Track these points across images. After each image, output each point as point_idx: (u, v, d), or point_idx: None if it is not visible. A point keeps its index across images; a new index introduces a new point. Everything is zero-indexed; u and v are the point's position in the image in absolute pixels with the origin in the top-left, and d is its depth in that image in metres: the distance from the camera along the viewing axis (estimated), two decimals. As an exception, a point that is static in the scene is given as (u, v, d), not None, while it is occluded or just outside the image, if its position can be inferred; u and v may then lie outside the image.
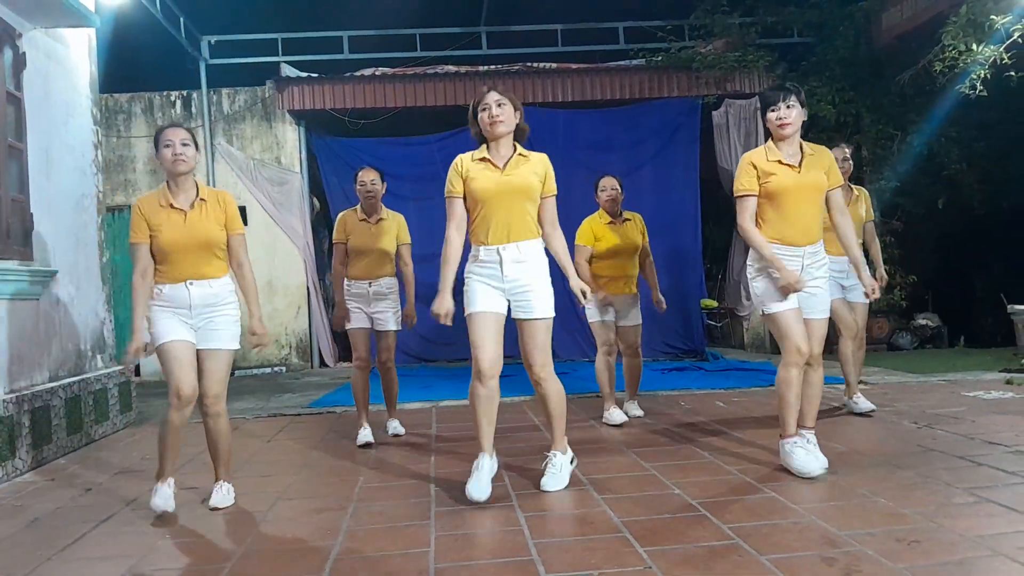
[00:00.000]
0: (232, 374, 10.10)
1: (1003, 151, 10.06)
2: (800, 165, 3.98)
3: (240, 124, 10.44)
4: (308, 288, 10.43)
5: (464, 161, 3.89)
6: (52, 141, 5.67)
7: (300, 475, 4.53)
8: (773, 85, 4.40)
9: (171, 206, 3.78)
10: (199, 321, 3.78)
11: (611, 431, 5.33)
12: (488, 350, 3.75)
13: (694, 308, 10.15)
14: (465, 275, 3.91)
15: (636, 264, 5.70)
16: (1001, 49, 7.26)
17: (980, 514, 3.21)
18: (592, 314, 5.60)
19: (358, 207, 5.35)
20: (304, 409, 6.90)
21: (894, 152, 10.00)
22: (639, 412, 5.79)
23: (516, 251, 3.80)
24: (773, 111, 3.97)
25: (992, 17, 7.22)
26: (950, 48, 7.66)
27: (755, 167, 4.01)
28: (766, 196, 4.00)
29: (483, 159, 3.86)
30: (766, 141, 4.14)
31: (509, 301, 3.84)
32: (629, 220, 5.67)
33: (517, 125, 3.90)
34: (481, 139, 3.92)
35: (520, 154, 3.88)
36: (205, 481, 4.40)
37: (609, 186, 5.63)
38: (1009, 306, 8.49)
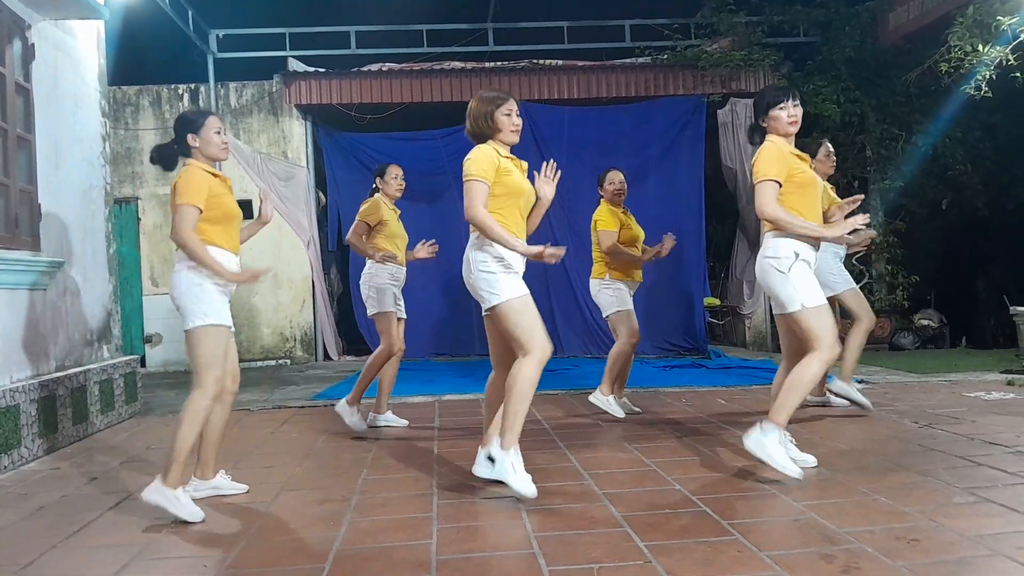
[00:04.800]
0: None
1: (1008, 153, 10.07)
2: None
3: (247, 118, 10.47)
4: (313, 282, 10.46)
5: (498, 152, 3.84)
6: (61, 132, 5.70)
7: (303, 466, 4.56)
8: (772, 86, 4.53)
9: (221, 179, 3.85)
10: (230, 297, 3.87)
11: (612, 427, 5.35)
12: (546, 332, 3.75)
13: (697, 306, 10.17)
14: (484, 260, 3.77)
15: None
16: (1007, 50, 7.27)
17: (979, 514, 3.22)
18: (615, 303, 5.67)
19: (383, 197, 5.57)
20: (308, 402, 6.93)
21: (898, 152, 10.02)
22: (637, 408, 5.87)
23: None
24: (782, 108, 3.99)
25: (999, 18, 7.22)
26: (956, 48, 7.66)
27: (785, 160, 3.95)
28: (797, 188, 3.96)
29: (511, 158, 3.90)
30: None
31: None
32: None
33: None
34: (479, 139, 3.88)
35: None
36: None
37: (617, 180, 5.76)
38: (1011, 307, 8.50)
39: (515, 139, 3.89)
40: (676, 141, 10.29)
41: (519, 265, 3.81)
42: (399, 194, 5.60)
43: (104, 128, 6.46)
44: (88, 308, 5.92)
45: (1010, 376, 6.92)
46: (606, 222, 5.66)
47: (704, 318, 10.38)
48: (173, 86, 10.41)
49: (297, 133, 10.52)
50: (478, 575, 2.79)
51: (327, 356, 10.63)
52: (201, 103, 10.37)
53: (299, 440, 5.35)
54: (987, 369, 7.51)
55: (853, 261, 9.20)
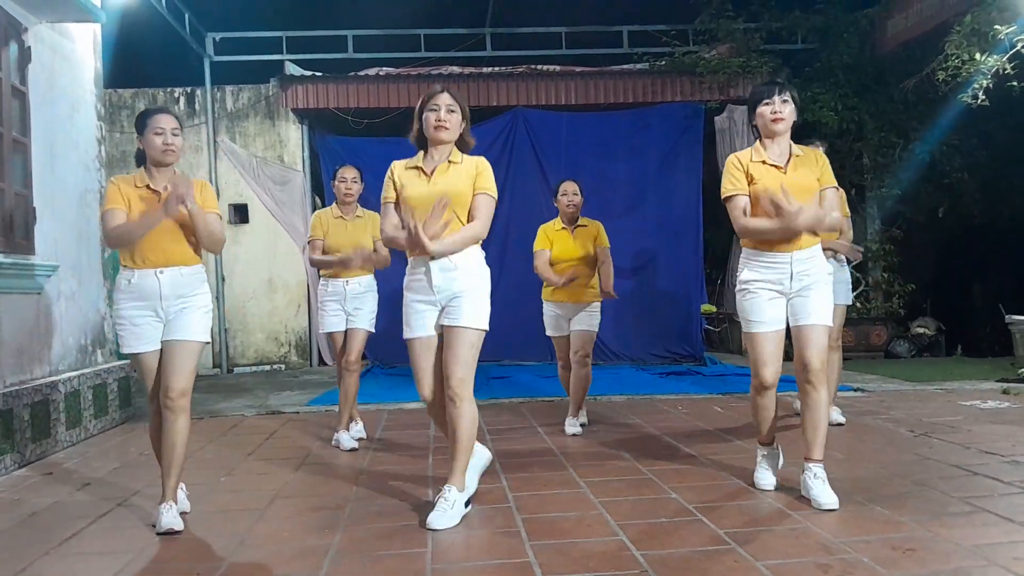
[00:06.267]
0: (230, 371, 10.20)
1: (1004, 161, 10.10)
2: (787, 166, 3.72)
3: (243, 122, 10.45)
4: (308, 286, 10.43)
5: (397, 168, 3.68)
6: (56, 136, 5.69)
7: (298, 473, 4.54)
8: (762, 83, 4.16)
9: (147, 187, 3.60)
10: (169, 313, 3.56)
11: (608, 436, 5.34)
12: (428, 377, 3.63)
13: (695, 313, 10.16)
14: (404, 289, 3.68)
15: (590, 272, 5.42)
16: (1004, 59, 7.28)
17: (975, 523, 3.22)
18: (546, 328, 5.56)
19: (333, 205, 5.33)
20: (303, 407, 6.91)
21: (896, 159, 10.03)
22: (577, 429, 5.39)
23: (447, 261, 3.52)
24: (767, 104, 3.69)
25: (996, 27, 7.23)
26: (953, 57, 7.68)
27: (740, 167, 3.75)
28: (752, 200, 3.73)
29: (415, 167, 3.64)
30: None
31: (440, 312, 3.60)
32: (584, 227, 5.45)
33: (461, 135, 3.65)
34: (420, 140, 3.66)
35: (451, 161, 3.61)
36: (202, 478, 4.42)
37: (570, 191, 5.43)
38: (1007, 316, 8.50)
39: (438, 136, 3.56)
40: (674, 147, 10.28)
41: (421, 286, 3.57)
42: (347, 199, 5.23)
43: (100, 131, 6.45)
44: (82, 312, 5.90)
45: (1006, 385, 6.92)
46: (536, 241, 5.46)
47: (701, 325, 10.37)
48: (169, 89, 10.39)
49: (293, 137, 10.50)
50: (473, 584, 2.78)
51: (322, 362, 10.60)
52: (197, 106, 10.35)
53: (293, 446, 5.32)
54: (983, 378, 7.51)
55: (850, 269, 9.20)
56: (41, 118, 5.46)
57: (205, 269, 3.76)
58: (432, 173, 3.59)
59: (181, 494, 3.66)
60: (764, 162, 3.73)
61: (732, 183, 3.77)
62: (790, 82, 10.17)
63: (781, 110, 3.67)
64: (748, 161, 3.77)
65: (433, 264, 3.52)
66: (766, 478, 3.88)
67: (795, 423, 4.94)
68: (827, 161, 3.85)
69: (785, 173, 3.70)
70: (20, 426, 4.82)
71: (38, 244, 5.33)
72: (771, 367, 3.71)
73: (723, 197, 3.82)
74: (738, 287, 3.84)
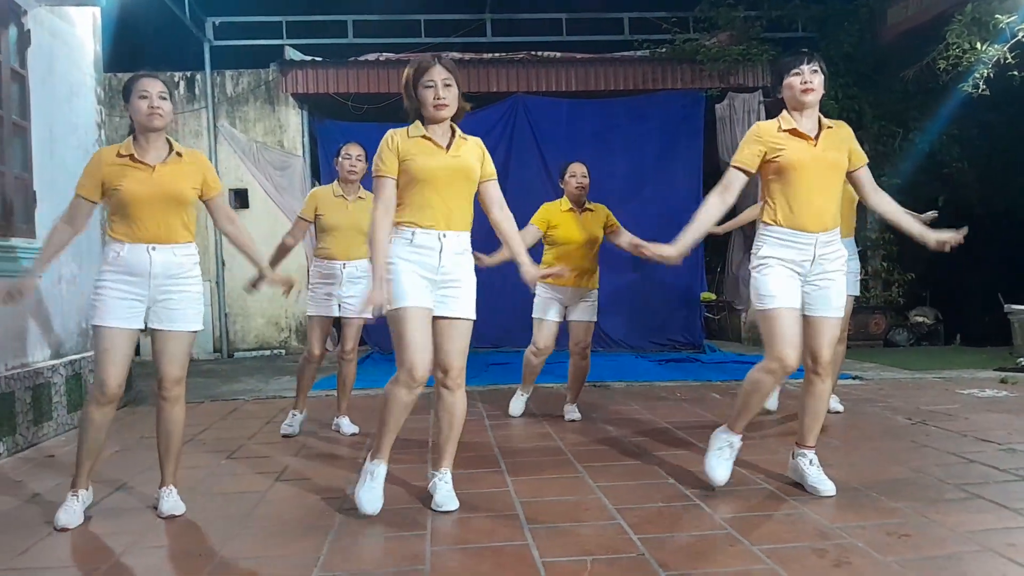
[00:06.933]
0: (231, 356, 10.21)
1: (1004, 151, 10.10)
2: (817, 139, 3.50)
3: (243, 106, 10.43)
4: (308, 271, 10.43)
5: (398, 137, 3.41)
6: (56, 119, 5.68)
7: (298, 457, 4.56)
8: (790, 53, 3.88)
9: (132, 157, 3.40)
10: (157, 294, 3.40)
11: (606, 422, 5.36)
12: (423, 354, 3.35)
13: (694, 301, 10.18)
14: (398, 258, 3.40)
15: (593, 257, 5.30)
16: (1005, 48, 7.28)
17: (970, 510, 3.25)
18: (535, 309, 5.37)
19: (335, 183, 5.18)
20: (302, 392, 6.92)
21: (895, 149, 10.03)
22: (577, 415, 5.42)
23: (457, 241, 3.41)
24: (795, 74, 3.48)
25: (997, 16, 7.23)
26: (954, 46, 7.67)
27: (761, 142, 3.53)
28: (775, 172, 3.52)
29: (423, 136, 3.40)
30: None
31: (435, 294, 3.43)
32: (591, 211, 5.28)
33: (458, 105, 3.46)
34: (415, 114, 3.45)
35: (461, 136, 3.47)
36: (204, 461, 4.45)
37: (579, 172, 5.25)
38: (1005, 305, 8.52)
39: (439, 115, 3.36)
40: (674, 135, 10.27)
41: (425, 262, 3.37)
42: (350, 177, 5.05)
43: (99, 116, 6.43)
44: (83, 296, 5.90)
45: (1003, 374, 6.96)
46: (535, 217, 5.24)
47: (701, 313, 10.39)
48: (169, 74, 10.33)
49: (293, 122, 10.49)
50: (472, 567, 2.80)
51: (323, 347, 10.62)
52: (197, 91, 10.34)
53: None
54: (981, 367, 7.54)
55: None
56: (40, 102, 5.45)
57: (204, 254, 3.71)
58: (449, 147, 3.40)
59: (174, 495, 3.55)
60: (795, 130, 3.51)
61: (740, 157, 3.58)
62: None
63: (811, 80, 3.48)
64: (774, 131, 3.55)
65: (446, 243, 3.37)
66: (724, 471, 3.64)
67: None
68: (852, 134, 3.66)
69: (815, 145, 3.51)
70: (21, 409, 4.84)
71: (39, 228, 5.33)
72: (795, 347, 3.46)
73: (731, 163, 3.64)
74: (754, 263, 3.61)
